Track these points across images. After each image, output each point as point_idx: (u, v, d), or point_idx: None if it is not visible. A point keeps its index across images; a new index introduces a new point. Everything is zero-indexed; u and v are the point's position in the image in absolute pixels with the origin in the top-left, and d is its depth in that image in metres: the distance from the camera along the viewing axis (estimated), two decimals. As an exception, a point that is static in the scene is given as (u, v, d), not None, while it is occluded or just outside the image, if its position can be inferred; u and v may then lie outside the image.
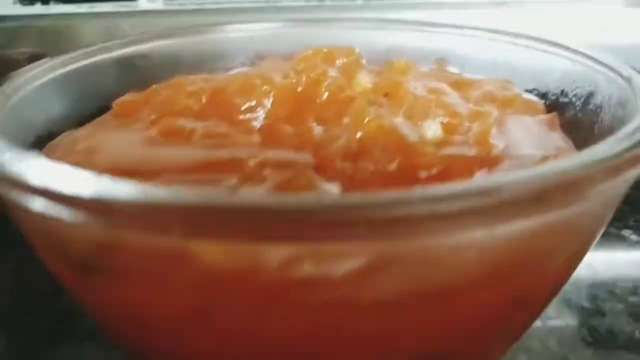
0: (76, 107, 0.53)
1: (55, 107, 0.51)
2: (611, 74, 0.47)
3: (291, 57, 0.72)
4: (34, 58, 0.82)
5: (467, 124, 0.40)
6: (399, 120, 0.37)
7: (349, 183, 0.34)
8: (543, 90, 0.55)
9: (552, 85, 0.54)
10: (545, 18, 0.83)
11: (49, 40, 0.84)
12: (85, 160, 0.39)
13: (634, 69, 0.51)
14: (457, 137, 0.37)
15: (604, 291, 0.57)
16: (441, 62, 0.65)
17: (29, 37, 0.85)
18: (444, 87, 0.44)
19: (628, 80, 0.45)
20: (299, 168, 0.34)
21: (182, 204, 0.25)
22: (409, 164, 0.34)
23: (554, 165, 0.27)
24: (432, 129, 0.37)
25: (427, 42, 0.67)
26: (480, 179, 0.29)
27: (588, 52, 0.49)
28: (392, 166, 0.34)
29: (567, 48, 0.52)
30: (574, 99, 0.51)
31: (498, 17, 0.83)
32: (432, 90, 0.42)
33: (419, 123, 0.37)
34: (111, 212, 0.26)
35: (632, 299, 0.56)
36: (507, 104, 0.51)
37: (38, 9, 0.85)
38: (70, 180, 0.27)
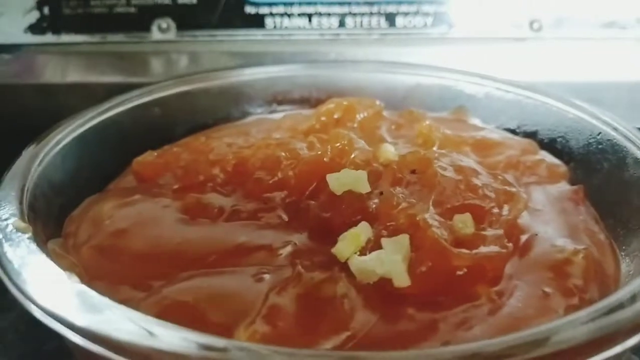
0: (96, 165, 0.53)
1: (76, 167, 0.51)
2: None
3: (308, 101, 0.72)
4: (44, 88, 0.83)
5: (496, 210, 0.39)
6: (429, 214, 0.36)
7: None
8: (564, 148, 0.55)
9: (575, 148, 0.54)
10: (563, 54, 0.82)
11: (60, 70, 0.83)
12: (117, 244, 0.39)
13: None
14: (489, 233, 0.36)
15: None
16: (461, 111, 0.64)
17: (40, 66, 0.84)
18: (471, 163, 0.44)
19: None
20: (334, 272, 0.34)
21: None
22: (444, 265, 0.34)
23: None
24: (465, 225, 0.36)
25: (445, 88, 0.67)
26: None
27: (615, 123, 0.49)
28: (425, 267, 0.34)
29: (594, 115, 0.51)
30: (597, 166, 0.51)
31: (517, 53, 0.82)
32: (459, 170, 0.42)
33: (450, 217, 0.37)
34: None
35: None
36: (531, 170, 0.51)
37: (49, 38, 0.84)
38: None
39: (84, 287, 0.31)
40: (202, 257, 0.37)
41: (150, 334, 0.28)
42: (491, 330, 0.32)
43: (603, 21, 0.82)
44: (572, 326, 0.28)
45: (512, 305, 0.34)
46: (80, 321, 0.29)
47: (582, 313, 0.28)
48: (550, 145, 0.56)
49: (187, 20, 0.82)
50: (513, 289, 0.35)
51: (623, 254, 0.42)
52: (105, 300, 0.30)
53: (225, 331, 0.30)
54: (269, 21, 0.82)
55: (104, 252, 0.38)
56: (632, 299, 0.30)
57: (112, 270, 0.37)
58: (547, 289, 0.35)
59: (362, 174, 0.41)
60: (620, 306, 0.29)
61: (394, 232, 0.36)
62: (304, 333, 0.30)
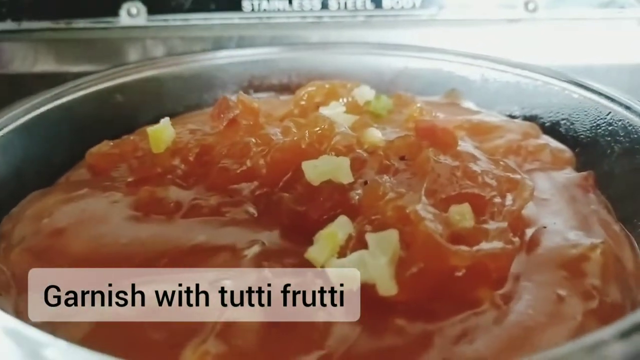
0: (46, 157, 0.47)
1: (21, 158, 0.45)
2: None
3: (288, 87, 0.66)
4: (9, 78, 0.77)
5: (498, 199, 0.34)
6: (422, 205, 0.31)
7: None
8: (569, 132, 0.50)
9: (582, 131, 0.49)
10: (560, 36, 0.77)
11: (19, 59, 0.76)
12: (54, 246, 0.33)
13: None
14: (491, 226, 0.31)
15: None
16: (453, 94, 0.59)
17: (3, 55, 0.78)
18: (468, 148, 0.38)
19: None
20: (307, 277, 0.28)
21: None
22: (439, 266, 0.28)
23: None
24: (463, 218, 0.31)
25: (436, 70, 0.61)
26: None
27: (628, 101, 0.44)
28: (417, 268, 0.28)
29: (603, 94, 0.46)
30: (607, 150, 0.45)
31: (511, 35, 0.77)
32: (455, 155, 0.36)
33: (446, 209, 0.31)
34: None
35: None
36: (534, 155, 0.46)
37: (9, 25, 0.78)
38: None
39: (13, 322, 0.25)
40: (151, 260, 0.31)
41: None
42: (497, 343, 0.27)
43: (600, 1, 0.77)
44: (601, 346, 0.22)
45: (521, 311, 0.29)
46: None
47: (613, 328, 0.23)
48: (553, 129, 0.51)
49: (158, 4, 0.76)
50: (521, 292, 0.30)
51: (641, 247, 0.37)
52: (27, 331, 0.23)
53: (171, 352, 0.25)
54: (246, 4, 0.76)
55: (38, 255, 0.33)
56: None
57: (46, 278, 0.31)
58: (561, 291, 0.30)
59: (344, 161, 0.36)
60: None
61: (380, 227, 0.31)
62: (268, 354, 0.25)
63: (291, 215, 0.35)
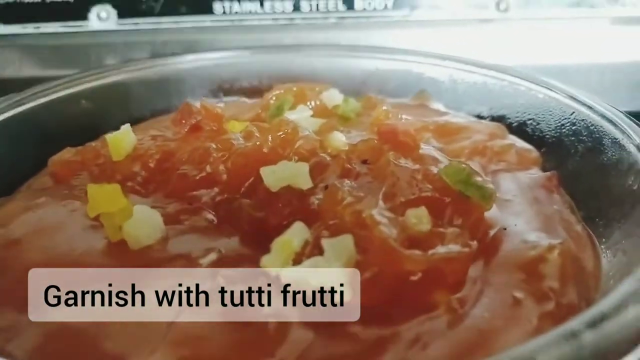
0: (6, 164, 0.46)
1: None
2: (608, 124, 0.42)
3: (258, 90, 0.66)
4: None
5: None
6: (378, 210, 0.30)
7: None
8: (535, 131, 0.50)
9: (547, 130, 0.49)
10: (532, 36, 0.78)
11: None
12: (8, 257, 0.32)
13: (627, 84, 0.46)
14: (448, 230, 0.31)
15: None
16: (422, 96, 0.59)
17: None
18: (430, 151, 0.38)
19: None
20: (261, 284, 0.28)
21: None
22: (394, 270, 0.28)
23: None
24: (420, 221, 0.31)
25: (406, 71, 0.61)
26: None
27: (590, 102, 0.44)
28: (371, 273, 0.28)
29: (567, 94, 0.46)
30: (572, 150, 0.46)
31: (483, 35, 0.77)
32: (417, 159, 0.36)
33: (403, 212, 0.31)
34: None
35: None
36: (500, 156, 0.46)
37: (-25, 30, 0.77)
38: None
39: None
40: (106, 271, 0.30)
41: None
42: (452, 347, 0.27)
43: (572, 0, 0.78)
44: (550, 346, 0.22)
45: (477, 315, 0.28)
46: None
47: (563, 328, 0.23)
48: (520, 129, 0.51)
49: (128, 7, 0.75)
50: (478, 295, 0.30)
51: (603, 247, 0.37)
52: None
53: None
54: (217, 6, 0.76)
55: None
56: (620, 305, 0.24)
57: (-4, 290, 0.30)
58: (518, 294, 0.30)
59: (303, 167, 0.35)
60: (607, 316, 0.23)
61: (337, 232, 0.30)
62: (216, 364, 0.24)
63: (251, 222, 0.34)
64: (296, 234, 0.30)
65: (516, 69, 0.54)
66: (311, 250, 0.30)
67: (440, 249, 0.29)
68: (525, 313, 0.29)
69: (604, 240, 0.38)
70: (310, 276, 0.28)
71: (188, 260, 0.31)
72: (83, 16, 0.76)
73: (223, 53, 0.63)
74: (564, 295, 0.30)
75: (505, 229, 0.35)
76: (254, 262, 0.31)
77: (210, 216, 0.36)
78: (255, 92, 0.63)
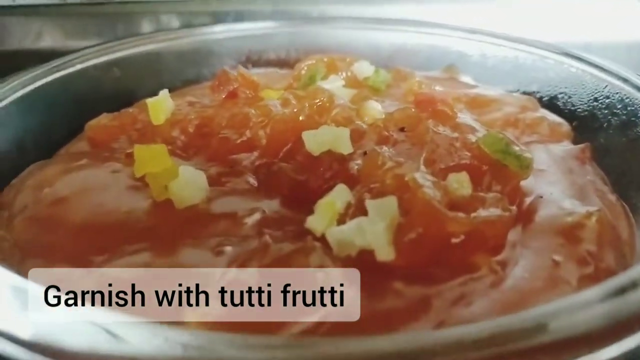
0: (45, 129, 0.47)
1: (21, 130, 0.45)
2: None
3: (285, 62, 0.66)
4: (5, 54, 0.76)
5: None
6: (420, 174, 0.31)
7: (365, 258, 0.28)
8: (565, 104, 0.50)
9: (579, 104, 0.49)
10: (556, 12, 0.77)
11: (13, 35, 0.76)
12: (56, 215, 0.33)
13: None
14: (489, 195, 0.31)
15: None
16: (451, 69, 0.59)
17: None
18: (467, 120, 0.38)
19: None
20: (307, 243, 0.29)
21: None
22: (437, 232, 0.29)
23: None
24: (461, 186, 0.31)
25: (433, 45, 0.61)
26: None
27: (625, 74, 0.44)
28: (415, 234, 0.28)
29: (600, 67, 0.46)
30: (604, 124, 0.46)
31: (509, 11, 0.76)
32: (455, 127, 0.36)
33: (444, 177, 0.32)
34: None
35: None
36: (532, 128, 0.46)
37: (3, 1, 0.77)
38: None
39: (16, 278, 0.25)
40: (153, 227, 0.31)
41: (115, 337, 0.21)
42: (493, 306, 0.27)
43: (599, -24, 0.77)
44: (577, 308, 0.22)
45: (517, 276, 0.29)
46: (19, 329, 0.22)
47: (594, 291, 0.23)
48: (551, 102, 0.51)
49: (155, -22, 0.75)
50: (517, 258, 0.30)
51: (638, 218, 0.38)
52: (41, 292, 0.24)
53: (174, 315, 0.25)
54: (244, -22, 0.76)
55: (41, 223, 0.33)
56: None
57: (48, 245, 0.31)
58: (557, 257, 0.30)
59: (344, 131, 0.36)
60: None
61: (379, 195, 0.31)
62: (268, 316, 0.25)
63: (291, 185, 0.35)
64: (339, 196, 0.31)
65: (547, 43, 0.54)
66: (354, 212, 0.31)
67: (482, 212, 0.30)
68: (565, 275, 0.29)
69: (638, 212, 0.38)
70: (355, 236, 0.28)
71: (233, 219, 0.32)
72: (109, -14, 0.76)
73: (251, 24, 0.63)
74: (602, 259, 0.31)
75: (541, 197, 0.36)
76: (296, 223, 0.32)
77: (251, 179, 0.36)
78: (282, 63, 0.63)
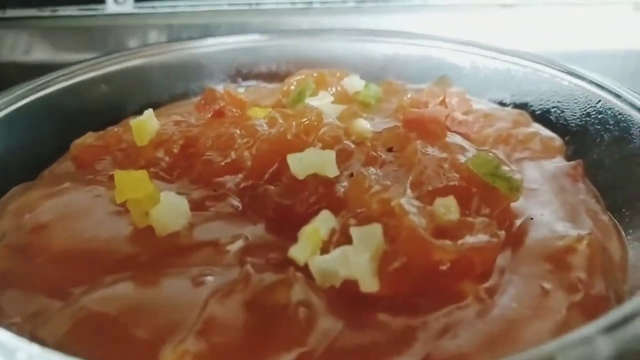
0: (29, 149, 0.46)
1: (5, 150, 0.44)
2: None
3: (276, 75, 0.66)
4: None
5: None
6: (406, 199, 0.30)
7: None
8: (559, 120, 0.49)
9: (572, 119, 0.48)
10: (553, 22, 0.76)
11: (3, 47, 0.75)
12: (35, 242, 0.32)
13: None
14: (477, 220, 0.31)
15: None
16: (443, 81, 0.58)
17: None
18: (456, 139, 0.38)
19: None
20: (289, 273, 0.28)
21: None
22: (422, 260, 0.28)
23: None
24: (448, 211, 0.30)
25: (426, 57, 0.61)
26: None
27: (618, 89, 0.43)
28: (400, 263, 0.28)
29: (593, 82, 0.46)
30: (597, 139, 0.45)
31: (504, 20, 0.76)
32: (444, 147, 0.36)
33: (431, 200, 0.31)
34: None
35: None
36: (524, 144, 0.45)
37: (-7, 12, 0.77)
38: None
39: None
40: (133, 256, 0.31)
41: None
42: (480, 337, 0.27)
43: (597, -16, 0.76)
44: (583, 342, 0.22)
45: (505, 305, 0.28)
46: None
47: (596, 325, 0.22)
48: (543, 116, 0.51)
49: (144, -10, 0.75)
50: (506, 285, 0.30)
51: (630, 237, 0.37)
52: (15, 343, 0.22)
53: (150, 350, 0.24)
54: (235, -11, 0.75)
55: (20, 252, 0.32)
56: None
57: (26, 275, 0.31)
58: (546, 285, 0.30)
59: (330, 155, 0.35)
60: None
61: (364, 221, 0.30)
62: (248, 351, 0.24)
63: (276, 209, 0.34)
64: (323, 222, 0.30)
65: (539, 55, 0.53)
66: (338, 239, 0.30)
67: (470, 239, 0.29)
68: (554, 304, 0.28)
69: (630, 230, 0.38)
70: (339, 266, 0.28)
71: (215, 247, 0.31)
72: (100, -1, 0.76)
73: (241, 37, 0.62)
74: (592, 286, 0.30)
75: (531, 218, 0.35)
76: (280, 249, 0.31)
77: (236, 202, 0.36)
78: (273, 76, 0.63)
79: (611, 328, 0.22)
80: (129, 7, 0.77)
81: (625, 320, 0.23)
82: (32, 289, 0.30)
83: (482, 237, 0.30)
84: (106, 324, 0.26)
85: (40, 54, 0.77)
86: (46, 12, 0.78)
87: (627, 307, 0.24)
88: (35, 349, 0.21)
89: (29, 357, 0.21)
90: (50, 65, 0.70)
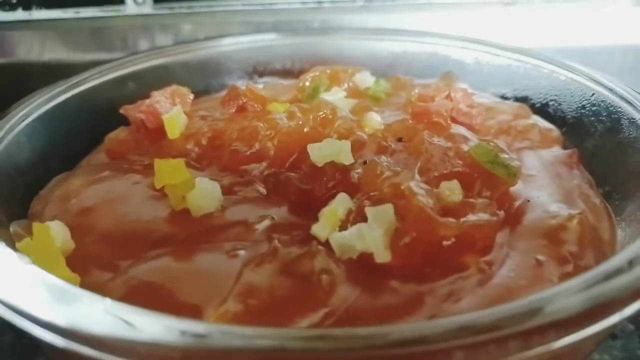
0: (67, 142, 0.50)
1: (45, 144, 0.48)
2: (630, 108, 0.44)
3: (290, 72, 0.69)
4: (12, 67, 0.79)
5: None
6: (415, 182, 0.34)
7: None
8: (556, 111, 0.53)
9: (568, 111, 0.52)
10: (553, 18, 0.79)
11: (29, 48, 0.79)
12: (83, 224, 0.36)
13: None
14: (478, 201, 0.34)
15: None
16: (449, 77, 0.62)
17: (12, 44, 0.81)
18: (461, 130, 0.41)
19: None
20: (312, 247, 0.32)
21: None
22: (429, 236, 0.32)
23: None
24: (452, 193, 0.34)
25: (432, 54, 0.64)
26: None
27: (610, 84, 0.46)
28: (410, 238, 0.31)
29: (587, 76, 0.49)
30: (591, 129, 0.49)
31: (507, 17, 0.79)
32: (449, 137, 0.39)
33: (437, 184, 0.35)
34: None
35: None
36: (524, 135, 0.49)
37: (20, 14, 0.81)
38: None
39: (47, 276, 0.28)
40: (173, 234, 0.34)
41: (129, 324, 0.25)
42: (481, 301, 0.30)
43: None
44: (566, 295, 0.25)
45: (503, 275, 0.32)
46: (48, 315, 0.26)
47: (577, 281, 0.26)
48: (542, 109, 0.54)
49: (163, -8, 0.79)
50: (504, 258, 0.33)
51: (619, 218, 0.40)
52: (73, 289, 0.27)
53: (195, 312, 0.28)
54: (249, -10, 0.79)
55: (70, 232, 0.36)
56: (630, 264, 0.28)
57: (77, 251, 0.35)
58: (541, 257, 0.33)
59: (345, 144, 0.39)
60: (617, 272, 0.27)
61: (377, 202, 0.34)
62: (279, 311, 0.28)
63: (298, 193, 0.38)
64: (341, 204, 0.34)
65: (539, 52, 0.56)
66: (355, 218, 0.34)
67: (471, 217, 0.33)
68: (547, 273, 0.32)
69: (620, 213, 0.41)
70: (356, 241, 0.32)
71: (245, 226, 0.35)
72: (121, 0, 0.79)
73: (257, 36, 0.66)
74: (581, 258, 0.34)
75: (529, 200, 0.39)
76: (303, 228, 0.35)
77: (261, 188, 0.39)
78: (287, 73, 0.66)
79: (591, 285, 0.26)
80: (148, 8, 0.81)
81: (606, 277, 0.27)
82: (83, 263, 0.34)
83: (483, 216, 0.33)
84: (154, 290, 0.30)
85: (64, 54, 0.81)
86: (69, 13, 0.81)
87: (604, 267, 0.28)
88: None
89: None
90: (73, 65, 0.75)
